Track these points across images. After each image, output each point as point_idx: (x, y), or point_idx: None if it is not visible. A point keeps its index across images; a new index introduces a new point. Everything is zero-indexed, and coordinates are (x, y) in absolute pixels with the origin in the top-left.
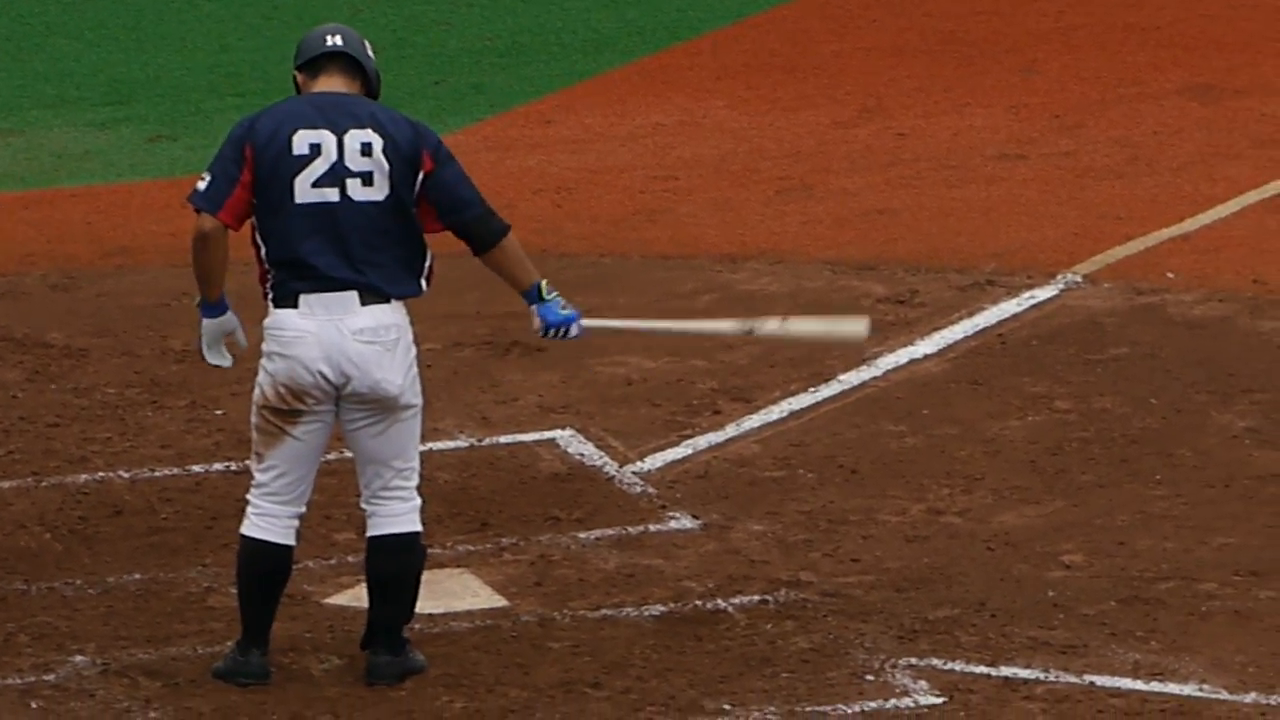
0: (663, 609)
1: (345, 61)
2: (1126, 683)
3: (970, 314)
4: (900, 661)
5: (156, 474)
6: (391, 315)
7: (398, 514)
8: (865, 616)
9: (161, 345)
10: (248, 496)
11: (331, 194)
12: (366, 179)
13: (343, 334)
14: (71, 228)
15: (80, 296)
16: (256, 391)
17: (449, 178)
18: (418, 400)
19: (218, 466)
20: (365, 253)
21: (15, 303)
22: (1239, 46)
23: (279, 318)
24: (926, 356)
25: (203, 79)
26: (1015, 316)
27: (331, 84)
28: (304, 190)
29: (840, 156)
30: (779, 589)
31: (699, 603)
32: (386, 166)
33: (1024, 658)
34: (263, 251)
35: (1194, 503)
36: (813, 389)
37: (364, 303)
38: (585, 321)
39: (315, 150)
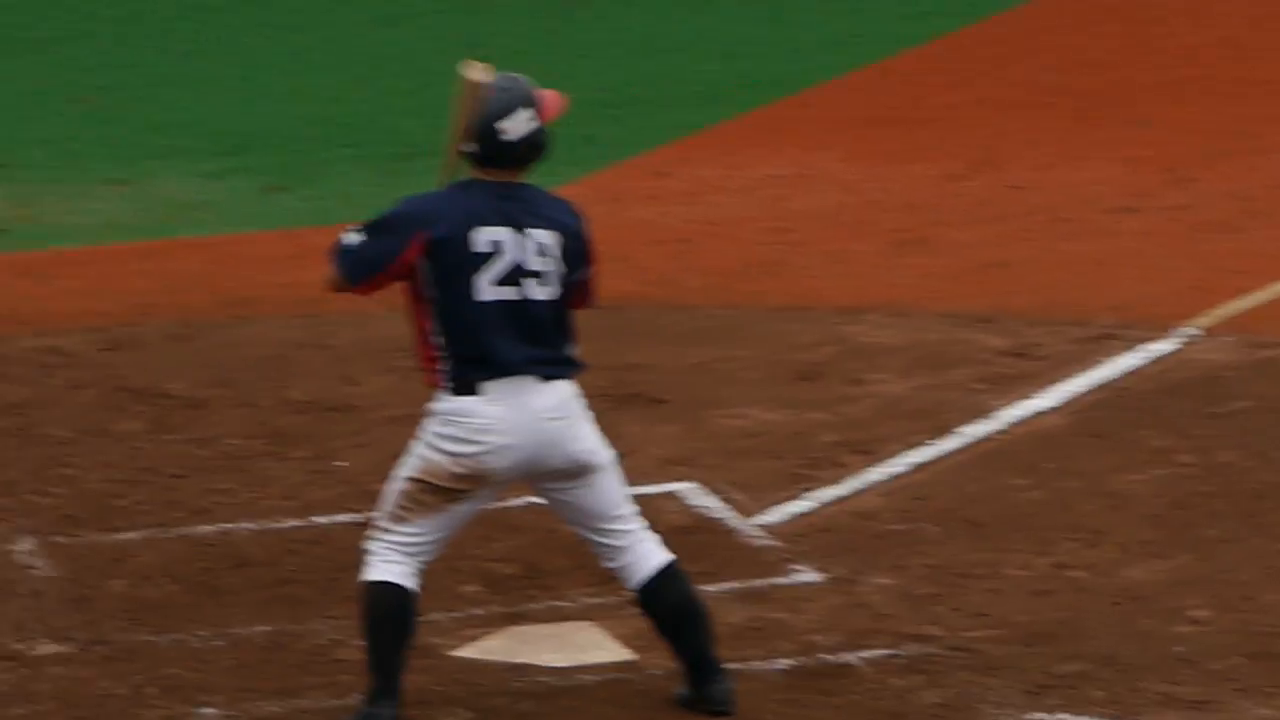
0: (790, 663)
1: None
2: None
3: (1089, 367)
4: (1029, 716)
5: (280, 525)
6: (570, 388)
7: (649, 553)
8: (993, 671)
9: (281, 396)
10: (369, 546)
11: (511, 292)
12: (543, 279)
13: (533, 416)
14: (188, 278)
15: (199, 347)
16: (417, 465)
17: (594, 274)
18: (610, 451)
19: (341, 518)
20: (542, 343)
21: (134, 353)
22: None
23: (462, 405)
24: (1048, 410)
25: (315, 130)
26: (1135, 370)
27: (508, 171)
28: (485, 288)
29: (954, 209)
30: (906, 643)
31: (826, 656)
32: (560, 266)
33: (1153, 712)
34: (443, 342)
35: None
36: (934, 441)
37: (545, 380)
38: None
39: (496, 248)
